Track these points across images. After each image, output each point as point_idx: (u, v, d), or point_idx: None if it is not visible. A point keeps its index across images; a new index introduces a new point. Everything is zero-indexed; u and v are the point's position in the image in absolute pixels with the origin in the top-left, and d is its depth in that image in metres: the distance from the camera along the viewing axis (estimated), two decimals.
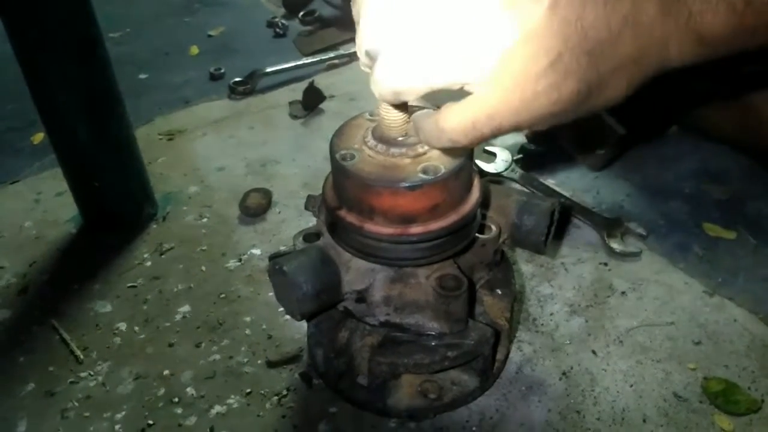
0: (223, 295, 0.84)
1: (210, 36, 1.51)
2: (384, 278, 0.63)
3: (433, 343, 0.63)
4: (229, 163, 1.09)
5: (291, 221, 0.95)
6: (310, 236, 0.67)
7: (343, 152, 0.58)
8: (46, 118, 0.86)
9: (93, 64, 0.83)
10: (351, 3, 0.50)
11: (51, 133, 0.88)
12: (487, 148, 0.98)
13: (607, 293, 0.80)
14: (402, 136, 0.57)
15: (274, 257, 0.87)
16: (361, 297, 0.63)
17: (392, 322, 0.64)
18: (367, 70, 0.48)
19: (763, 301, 0.78)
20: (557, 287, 0.81)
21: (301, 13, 1.49)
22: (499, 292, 0.70)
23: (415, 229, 0.58)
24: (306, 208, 0.73)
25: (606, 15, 0.37)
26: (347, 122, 0.63)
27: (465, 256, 0.66)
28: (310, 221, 0.80)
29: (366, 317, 0.64)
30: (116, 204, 0.93)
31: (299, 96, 1.21)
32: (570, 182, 0.99)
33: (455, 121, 0.44)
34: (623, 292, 0.80)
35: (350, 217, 0.59)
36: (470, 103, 0.42)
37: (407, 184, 0.54)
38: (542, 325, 0.77)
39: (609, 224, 0.88)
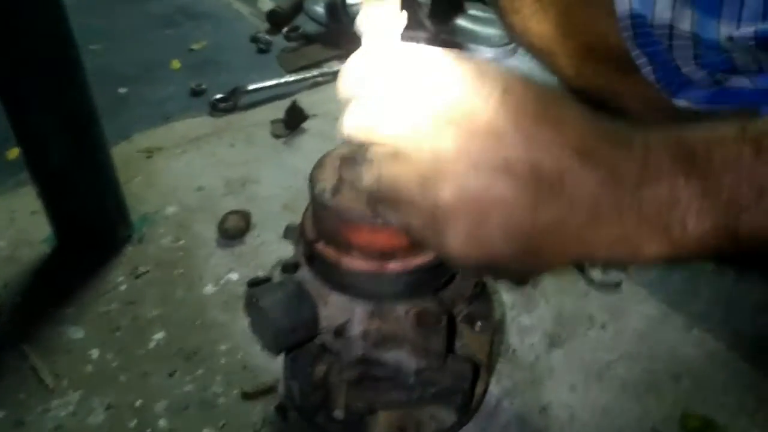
0: (198, 322, 0.82)
1: (192, 50, 1.49)
2: (362, 313, 0.62)
3: (411, 380, 0.62)
4: (208, 182, 1.07)
5: (270, 245, 0.94)
6: (287, 267, 0.66)
7: (322, 185, 0.58)
8: (20, 137, 0.84)
9: (69, 83, 0.81)
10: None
11: (24, 153, 0.86)
12: None
13: (587, 325, 0.80)
14: None
15: (252, 284, 0.86)
16: (339, 331, 0.62)
17: (370, 357, 0.63)
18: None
19: (742, 336, 0.78)
20: (537, 318, 0.81)
21: (285, 29, 1.48)
22: (480, 325, 0.69)
23: (394, 265, 0.57)
24: (285, 237, 0.72)
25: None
26: (329, 153, 0.62)
27: (445, 289, 0.65)
28: (289, 246, 0.78)
29: (343, 352, 0.63)
30: (91, 226, 0.92)
31: (281, 114, 1.20)
32: None
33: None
34: (603, 324, 0.80)
35: (328, 251, 0.58)
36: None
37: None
38: (522, 357, 0.77)
39: None
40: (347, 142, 0.52)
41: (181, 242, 0.95)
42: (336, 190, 0.57)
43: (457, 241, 0.38)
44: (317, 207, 0.58)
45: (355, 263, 0.57)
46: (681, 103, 0.76)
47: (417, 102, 0.40)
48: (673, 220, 0.35)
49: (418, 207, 0.39)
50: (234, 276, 0.89)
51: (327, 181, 0.58)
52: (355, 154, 0.48)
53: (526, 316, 0.81)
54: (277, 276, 0.65)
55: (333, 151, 0.63)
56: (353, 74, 0.45)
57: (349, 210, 0.54)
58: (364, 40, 0.49)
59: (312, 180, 0.59)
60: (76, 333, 0.82)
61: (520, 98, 0.37)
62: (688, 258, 0.36)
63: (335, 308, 0.62)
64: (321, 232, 0.59)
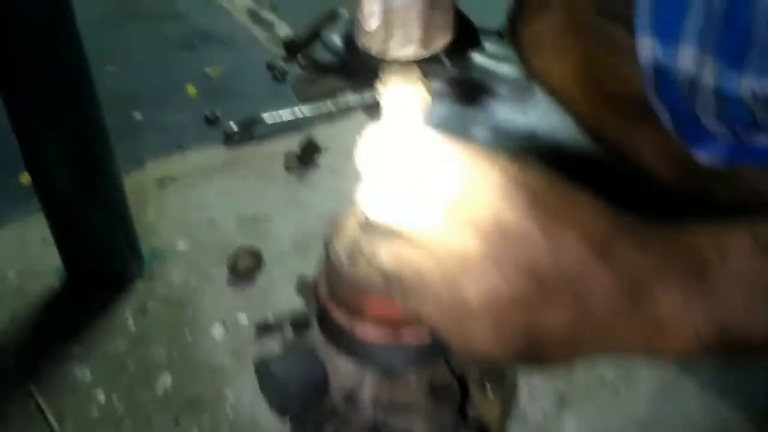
0: (206, 367, 0.82)
1: (207, 75, 1.49)
2: (373, 378, 0.61)
3: None
4: (220, 216, 1.07)
5: (280, 286, 0.93)
6: (298, 324, 0.65)
7: (336, 249, 0.57)
8: (30, 168, 0.85)
9: (81, 115, 0.81)
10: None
11: (36, 186, 0.86)
12: None
13: (598, 387, 0.79)
14: None
15: (261, 329, 0.86)
16: (349, 396, 0.61)
17: (380, 422, 0.62)
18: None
19: (755, 404, 0.77)
20: (549, 377, 0.80)
21: (302, 59, 1.48)
22: (492, 389, 0.68)
23: (408, 335, 0.56)
24: (297, 290, 0.71)
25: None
26: (344, 212, 0.62)
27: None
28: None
29: (353, 417, 0.62)
30: (101, 260, 0.91)
31: (295, 146, 1.20)
32: None
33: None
34: (615, 387, 0.79)
35: (341, 316, 0.57)
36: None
37: None
38: (532, 418, 0.76)
39: None
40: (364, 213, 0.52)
41: (191, 280, 0.95)
42: (351, 256, 0.56)
43: (479, 339, 0.38)
44: (331, 272, 0.57)
45: (368, 331, 0.56)
46: (700, 156, 0.75)
47: (441, 196, 0.39)
48: (686, 324, 0.36)
49: (439, 301, 0.39)
50: (243, 318, 0.88)
51: (342, 244, 0.57)
52: (373, 224, 0.47)
53: (538, 376, 0.80)
54: (287, 332, 0.64)
55: (350, 209, 0.62)
56: (373, 150, 0.44)
57: (365, 280, 0.54)
58: (384, 113, 0.49)
59: (326, 242, 0.58)
60: (83, 373, 0.81)
61: (543, 197, 0.38)
62: (702, 356, 0.37)
63: (346, 372, 0.61)
64: (334, 295, 0.58)
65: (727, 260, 0.36)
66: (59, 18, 0.75)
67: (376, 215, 0.43)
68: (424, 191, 0.40)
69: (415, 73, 0.49)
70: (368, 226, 0.46)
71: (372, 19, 0.41)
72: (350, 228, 0.59)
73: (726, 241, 0.37)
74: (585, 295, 0.37)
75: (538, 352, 0.39)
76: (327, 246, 0.58)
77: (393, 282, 0.43)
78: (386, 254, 0.42)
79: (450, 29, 0.43)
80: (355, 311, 0.56)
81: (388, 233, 0.42)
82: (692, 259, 0.37)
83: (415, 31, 0.42)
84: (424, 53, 0.44)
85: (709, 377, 0.80)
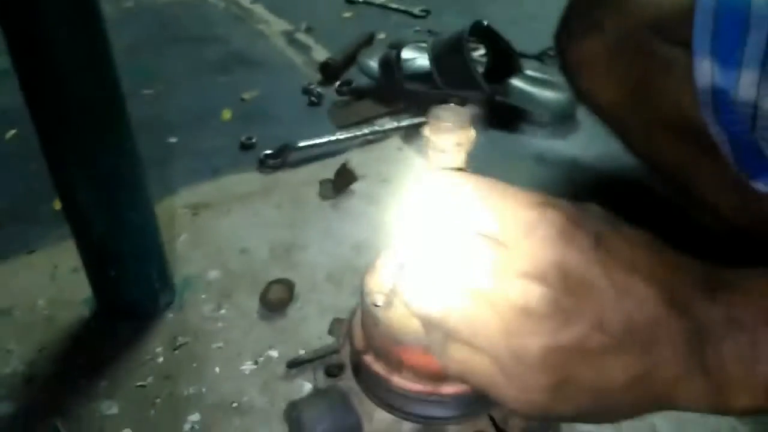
0: (235, 404, 0.79)
1: (243, 100, 1.48)
2: (411, 431, 0.57)
3: None
4: (252, 245, 1.05)
5: (312, 320, 0.90)
6: (332, 370, 0.62)
7: (375, 295, 0.54)
8: (63, 198, 0.83)
9: (115, 145, 0.79)
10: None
11: (66, 213, 0.85)
12: None
13: None
14: None
15: (292, 365, 0.83)
16: None
17: None
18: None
19: None
20: (596, 425, 0.75)
21: (337, 83, 1.46)
22: None
23: (448, 389, 0.52)
24: (329, 333, 0.68)
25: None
26: (383, 256, 0.58)
27: (498, 405, 0.60)
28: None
29: None
30: (132, 292, 0.89)
31: (330, 173, 1.17)
32: None
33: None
34: None
35: (377, 366, 0.54)
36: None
37: None
38: None
39: None
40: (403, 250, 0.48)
41: (222, 311, 0.92)
42: (389, 302, 0.53)
43: (539, 394, 0.36)
44: (367, 319, 0.54)
45: (405, 383, 0.53)
46: (760, 187, 0.71)
47: (496, 245, 0.37)
48: (756, 377, 0.34)
49: (495, 353, 0.37)
50: (274, 353, 0.86)
51: (379, 289, 0.54)
52: (416, 269, 0.44)
53: (584, 428, 0.75)
54: (320, 378, 0.61)
55: (388, 252, 0.59)
56: (419, 205, 0.41)
57: (402, 329, 0.50)
58: (432, 171, 0.45)
59: (364, 287, 0.55)
60: (110, 408, 0.79)
61: (612, 248, 0.36)
62: None
63: (381, 425, 0.58)
64: (371, 343, 0.55)
65: None
66: (93, 48, 0.73)
67: (422, 261, 0.41)
68: (475, 238, 0.38)
69: (463, 117, 0.46)
70: (413, 273, 0.43)
71: None
72: (387, 268, 0.56)
73: None
74: (653, 347, 0.35)
75: (602, 407, 0.37)
76: (363, 292, 0.55)
77: (438, 335, 0.40)
78: (434, 304, 0.39)
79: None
80: (393, 361, 0.53)
81: (435, 281, 0.39)
82: (760, 305, 0.35)
83: None
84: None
85: (761, 429, 0.75)
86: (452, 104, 0.46)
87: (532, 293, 0.35)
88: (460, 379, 0.41)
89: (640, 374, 0.35)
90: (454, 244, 0.38)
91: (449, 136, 0.46)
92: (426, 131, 0.46)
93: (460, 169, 0.47)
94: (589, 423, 0.41)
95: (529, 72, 1.33)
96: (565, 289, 0.35)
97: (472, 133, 0.45)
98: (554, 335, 0.35)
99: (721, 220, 0.81)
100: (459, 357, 0.39)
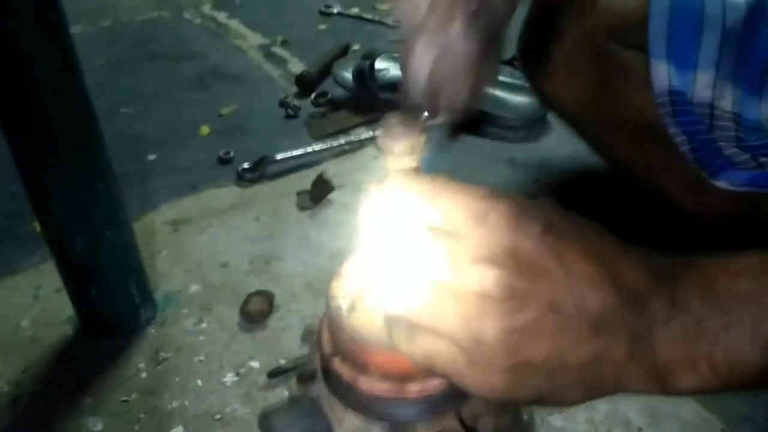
0: (218, 416, 0.81)
1: (221, 115, 1.50)
2: None
3: None
4: (232, 258, 1.06)
5: (291, 329, 0.92)
6: (304, 377, 0.64)
7: (337, 300, 0.56)
8: (41, 219, 0.85)
9: (90, 165, 0.81)
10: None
11: (46, 235, 0.86)
12: None
13: (621, 429, 0.76)
14: None
15: (272, 375, 0.84)
16: None
17: None
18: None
19: None
20: (569, 419, 0.77)
21: (313, 95, 1.48)
22: None
23: (413, 388, 0.54)
24: (302, 341, 0.70)
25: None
26: (350, 262, 0.60)
27: (468, 405, 0.62)
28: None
29: None
30: (113, 309, 0.91)
31: (308, 184, 1.19)
32: None
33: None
34: (639, 429, 0.76)
35: (343, 369, 0.56)
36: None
37: None
38: None
39: None
40: (369, 253, 0.50)
41: (204, 325, 0.94)
42: (352, 307, 0.55)
43: (498, 378, 0.38)
44: (333, 324, 0.56)
45: (372, 385, 0.54)
46: (720, 184, 0.73)
47: (450, 234, 0.38)
48: (700, 355, 0.36)
49: (455, 340, 0.38)
50: (255, 364, 0.87)
51: (344, 295, 0.56)
52: (377, 270, 0.46)
53: (558, 417, 0.77)
54: (293, 387, 0.63)
55: (354, 258, 0.61)
56: (378, 202, 0.43)
57: (365, 332, 0.52)
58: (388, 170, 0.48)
59: (330, 293, 0.57)
60: (95, 425, 0.81)
61: (561, 235, 0.37)
62: (719, 390, 0.37)
63: (351, 426, 0.59)
64: (337, 348, 0.57)
65: (737, 284, 0.36)
66: (64, 70, 0.75)
67: (382, 261, 0.42)
68: (431, 233, 0.39)
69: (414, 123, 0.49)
70: (375, 273, 0.45)
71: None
72: (353, 273, 0.58)
73: (735, 265, 0.37)
74: (604, 330, 0.36)
75: (558, 389, 0.38)
76: (328, 298, 0.57)
77: (402, 327, 0.42)
78: (396, 298, 0.41)
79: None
80: (358, 363, 0.54)
81: (396, 278, 0.41)
82: (703, 287, 0.36)
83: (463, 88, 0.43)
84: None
85: (736, 415, 0.77)
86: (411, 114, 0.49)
87: (488, 278, 0.36)
88: (425, 368, 0.42)
89: (593, 356, 0.36)
90: (410, 241, 0.40)
91: (401, 141, 0.48)
92: (381, 138, 0.48)
93: (413, 171, 0.49)
94: (546, 406, 0.42)
95: (500, 77, 1.35)
96: (519, 273, 0.36)
97: (422, 138, 0.48)
98: (510, 318, 0.36)
99: (683, 211, 0.83)
100: (423, 346, 0.40)
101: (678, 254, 0.39)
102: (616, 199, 0.98)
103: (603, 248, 0.38)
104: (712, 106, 0.70)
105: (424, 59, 0.53)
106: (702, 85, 0.70)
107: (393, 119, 0.49)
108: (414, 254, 0.40)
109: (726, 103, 0.70)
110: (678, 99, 0.71)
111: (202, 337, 0.92)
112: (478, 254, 0.37)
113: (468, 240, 0.37)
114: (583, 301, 0.36)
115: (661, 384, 0.37)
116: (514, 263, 0.36)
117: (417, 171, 0.49)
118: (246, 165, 1.26)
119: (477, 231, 0.37)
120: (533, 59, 0.84)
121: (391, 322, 0.43)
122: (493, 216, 0.37)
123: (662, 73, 0.71)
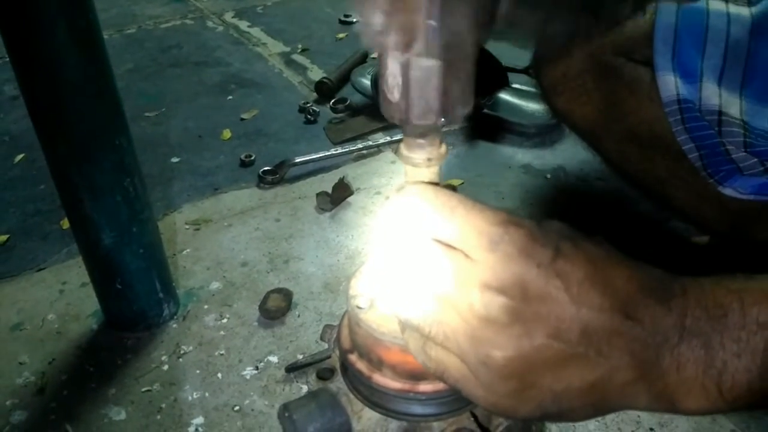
0: (237, 407, 0.83)
1: (243, 119, 1.53)
2: (396, 430, 0.61)
3: None
4: (252, 257, 1.09)
5: (309, 326, 0.95)
6: (324, 372, 0.66)
7: (358, 297, 0.58)
8: (70, 216, 0.88)
9: (118, 165, 0.84)
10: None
11: (74, 231, 0.89)
12: None
13: (633, 428, 0.77)
14: None
15: (290, 369, 0.86)
16: None
17: None
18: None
19: None
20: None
21: (332, 101, 1.51)
22: None
23: (425, 387, 0.56)
24: (321, 338, 0.72)
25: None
26: (370, 262, 0.62)
27: None
28: None
29: None
30: (137, 304, 0.94)
31: (327, 187, 1.22)
32: None
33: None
34: (651, 429, 0.77)
35: (360, 365, 0.58)
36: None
37: None
38: None
39: None
40: (387, 255, 0.52)
41: (224, 321, 0.97)
42: (370, 304, 0.57)
43: (504, 397, 0.39)
44: (351, 320, 0.58)
45: (387, 381, 0.56)
46: (728, 192, 0.74)
47: (463, 259, 0.39)
48: (710, 379, 0.36)
49: (464, 358, 0.39)
50: (273, 359, 0.90)
51: (363, 292, 0.58)
52: (390, 277, 0.48)
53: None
54: (312, 381, 0.65)
55: (374, 258, 0.63)
56: (393, 218, 0.44)
57: (382, 330, 0.54)
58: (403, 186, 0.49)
59: (349, 289, 0.59)
60: (118, 414, 0.83)
61: (570, 262, 0.38)
62: (727, 412, 0.38)
63: (369, 423, 0.61)
64: (355, 344, 0.59)
65: (748, 310, 0.36)
66: (95, 72, 0.78)
67: (395, 270, 0.44)
68: (445, 255, 0.40)
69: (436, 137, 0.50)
70: (388, 279, 0.47)
71: (394, 90, 0.42)
72: (372, 273, 0.60)
73: (746, 289, 0.37)
74: (610, 354, 0.37)
75: (564, 409, 0.39)
76: (348, 294, 0.59)
77: (415, 336, 0.44)
78: (410, 309, 0.43)
79: (469, 100, 0.43)
80: (374, 360, 0.56)
81: (407, 288, 0.43)
82: (713, 312, 0.36)
83: (434, 103, 0.42)
84: (443, 122, 0.44)
85: (746, 419, 0.78)
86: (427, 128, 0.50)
87: (493, 304, 0.37)
88: (437, 377, 0.44)
89: (597, 380, 0.37)
90: (423, 254, 0.41)
91: (421, 151, 0.50)
92: (400, 147, 0.50)
93: (433, 183, 0.51)
94: (554, 422, 0.43)
95: (516, 85, 1.37)
96: (525, 301, 0.37)
97: (443, 149, 0.49)
98: (516, 343, 0.37)
99: (694, 224, 0.84)
100: (435, 357, 0.42)
101: (687, 273, 0.39)
102: (630, 209, 0.99)
103: (610, 274, 0.38)
104: (720, 113, 0.71)
105: (394, 77, 0.53)
106: (708, 93, 0.71)
107: (412, 129, 0.50)
108: (426, 267, 0.41)
109: (734, 111, 0.71)
110: (687, 107, 0.72)
111: (222, 332, 0.94)
112: (486, 279, 0.38)
113: (479, 264, 0.38)
114: (589, 328, 0.37)
115: (669, 405, 0.38)
116: (521, 291, 0.37)
117: (435, 182, 0.50)
118: (267, 168, 1.28)
119: (488, 256, 0.38)
120: (544, 75, 0.87)
121: (405, 328, 0.45)
122: (505, 243, 0.38)
123: (669, 84, 0.72)
